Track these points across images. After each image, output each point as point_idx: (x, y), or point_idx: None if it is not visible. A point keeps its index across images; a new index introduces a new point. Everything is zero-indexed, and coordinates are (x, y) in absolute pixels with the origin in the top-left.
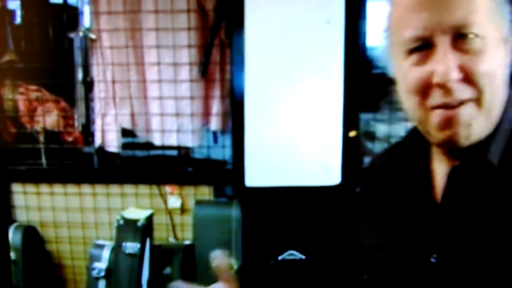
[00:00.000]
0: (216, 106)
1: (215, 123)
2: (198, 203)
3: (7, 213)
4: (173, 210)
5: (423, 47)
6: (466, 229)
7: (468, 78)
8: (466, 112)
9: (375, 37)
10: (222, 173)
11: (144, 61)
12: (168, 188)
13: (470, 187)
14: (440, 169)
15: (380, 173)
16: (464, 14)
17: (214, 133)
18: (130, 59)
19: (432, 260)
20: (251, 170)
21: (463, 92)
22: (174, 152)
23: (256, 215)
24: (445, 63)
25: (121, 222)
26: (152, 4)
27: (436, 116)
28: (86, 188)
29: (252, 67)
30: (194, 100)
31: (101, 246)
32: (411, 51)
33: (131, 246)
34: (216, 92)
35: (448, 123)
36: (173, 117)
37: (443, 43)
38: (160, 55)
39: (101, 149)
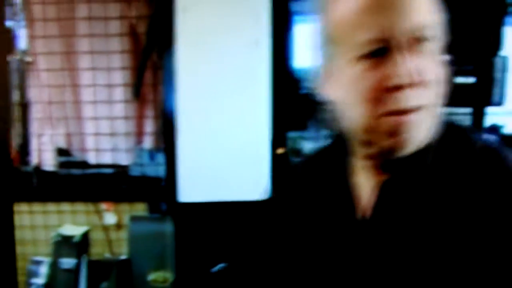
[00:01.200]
0: (149, 126)
1: (148, 142)
2: (133, 219)
3: None
4: (109, 226)
5: (378, 51)
6: (398, 242)
7: (426, 83)
8: (418, 118)
9: (303, 58)
10: (156, 190)
11: (79, 83)
12: (104, 205)
13: (405, 199)
14: (365, 182)
15: (299, 188)
16: (421, 16)
17: (151, 152)
18: (66, 81)
19: (364, 270)
20: (183, 187)
21: (419, 97)
22: (110, 170)
23: (188, 229)
24: (403, 66)
25: (58, 238)
26: (86, 28)
27: (387, 123)
28: (24, 207)
29: (183, 88)
30: (128, 120)
31: (39, 262)
32: (364, 56)
33: (67, 262)
34: (149, 112)
35: (399, 129)
36: (108, 137)
37: (400, 46)
38: (95, 77)
39: (38, 168)
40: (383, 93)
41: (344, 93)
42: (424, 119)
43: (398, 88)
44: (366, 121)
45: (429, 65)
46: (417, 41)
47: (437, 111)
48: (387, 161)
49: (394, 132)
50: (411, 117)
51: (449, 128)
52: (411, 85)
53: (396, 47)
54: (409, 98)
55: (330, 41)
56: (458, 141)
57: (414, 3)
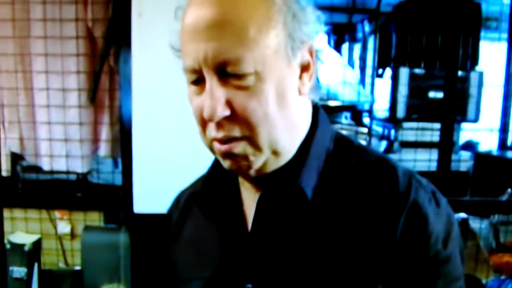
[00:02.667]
0: (105, 132)
1: (104, 149)
2: (86, 228)
3: None
4: (63, 235)
5: (199, 79)
6: (278, 256)
7: (237, 116)
8: (239, 148)
9: None
10: (112, 199)
11: (33, 86)
12: (57, 213)
13: (279, 213)
14: (249, 196)
15: (191, 202)
16: (236, 49)
17: (115, 159)
18: (19, 83)
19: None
20: (139, 197)
21: (232, 130)
22: (67, 177)
23: (143, 241)
24: (210, 99)
25: (8, 246)
26: (41, 30)
27: (215, 147)
28: None
29: (139, 94)
30: (83, 126)
31: None
32: (192, 82)
33: (18, 271)
34: (105, 118)
35: (226, 155)
36: (62, 142)
37: (210, 77)
38: (49, 81)
39: None
40: (204, 120)
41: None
42: (248, 149)
43: (209, 120)
44: (204, 140)
45: (243, 98)
46: (225, 73)
47: (270, 139)
48: (255, 178)
49: (224, 157)
50: (230, 146)
51: (341, 145)
52: (218, 117)
53: (206, 77)
54: (220, 129)
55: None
56: (342, 154)
57: (225, 36)
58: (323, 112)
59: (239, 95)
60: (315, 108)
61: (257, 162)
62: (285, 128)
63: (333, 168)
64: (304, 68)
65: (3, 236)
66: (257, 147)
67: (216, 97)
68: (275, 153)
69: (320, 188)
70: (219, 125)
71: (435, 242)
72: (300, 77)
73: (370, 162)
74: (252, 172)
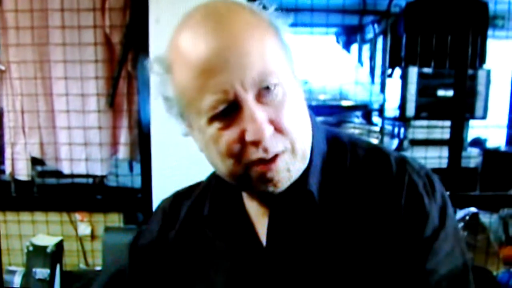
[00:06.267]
0: (123, 136)
1: (123, 152)
2: (107, 230)
3: None
4: (84, 237)
5: (227, 109)
6: (298, 266)
7: (280, 130)
8: (283, 161)
9: None
10: (132, 201)
11: (52, 92)
12: (78, 216)
13: (292, 223)
14: (256, 211)
15: (193, 220)
16: (262, 66)
17: (130, 162)
18: (39, 90)
19: None
20: (158, 198)
21: (278, 144)
22: (86, 180)
23: None
24: (255, 121)
25: (31, 248)
26: (60, 37)
27: (255, 172)
28: None
29: (157, 97)
30: (102, 130)
31: (13, 272)
32: (216, 117)
33: (41, 272)
34: (124, 122)
35: (267, 175)
36: (82, 146)
37: (247, 101)
38: (68, 86)
39: (13, 177)
40: (243, 147)
41: (207, 150)
42: (289, 159)
43: (253, 142)
44: (234, 172)
45: (280, 112)
46: (262, 91)
47: (304, 146)
48: (268, 195)
49: (264, 178)
50: (275, 163)
51: (334, 145)
52: (267, 137)
53: (243, 103)
54: (267, 148)
55: (183, 107)
56: (342, 159)
57: (249, 57)
58: (313, 118)
59: (277, 110)
60: None
61: (295, 172)
62: (308, 133)
63: (330, 169)
64: None
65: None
66: (296, 156)
67: (261, 118)
68: (304, 158)
69: (323, 190)
70: (261, 146)
71: (432, 222)
72: None
73: (363, 155)
74: (284, 187)
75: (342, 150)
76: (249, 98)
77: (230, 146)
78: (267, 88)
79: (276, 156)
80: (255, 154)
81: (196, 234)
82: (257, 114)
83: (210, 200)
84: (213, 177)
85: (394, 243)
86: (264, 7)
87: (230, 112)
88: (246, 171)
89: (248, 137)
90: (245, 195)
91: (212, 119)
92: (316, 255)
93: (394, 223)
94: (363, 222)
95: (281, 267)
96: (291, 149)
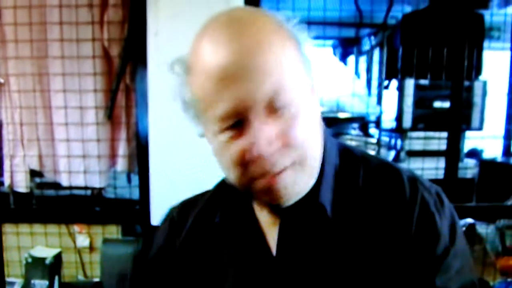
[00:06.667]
0: (122, 148)
1: (121, 164)
2: (105, 241)
3: None
4: (82, 248)
5: (238, 122)
6: (306, 277)
7: (289, 144)
8: (289, 175)
9: None
10: (130, 213)
11: (51, 105)
12: (76, 227)
13: (302, 234)
14: (266, 220)
15: (201, 227)
16: (277, 80)
17: (128, 174)
18: (38, 102)
19: None
20: (156, 210)
21: (285, 159)
22: (84, 192)
23: None
24: (261, 136)
25: (30, 260)
26: (58, 50)
27: (260, 184)
28: None
29: (155, 110)
30: (100, 142)
31: (12, 284)
32: (226, 128)
33: (39, 284)
34: (122, 134)
35: (272, 188)
36: (80, 159)
37: (257, 115)
38: (67, 99)
39: (12, 189)
40: (250, 159)
41: (218, 156)
42: (297, 173)
43: (259, 156)
44: (241, 182)
45: (291, 126)
46: (274, 105)
47: (313, 159)
48: (277, 207)
49: (269, 191)
50: (280, 177)
51: (346, 159)
52: (273, 152)
53: (252, 116)
54: (273, 163)
55: (199, 111)
56: (353, 171)
57: (265, 70)
58: (327, 131)
59: (287, 125)
60: None
61: (303, 186)
62: (318, 145)
63: (343, 183)
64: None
65: (3, 249)
66: (304, 170)
67: (267, 133)
68: (313, 172)
69: (335, 204)
70: (267, 161)
71: (443, 240)
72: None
73: (376, 172)
74: (290, 201)
75: (354, 164)
76: (259, 112)
77: (239, 157)
78: (278, 103)
79: (283, 170)
80: (260, 167)
81: (203, 242)
82: (264, 130)
83: (221, 207)
84: (223, 184)
85: (405, 260)
86: (287, 19)
87: (241, 122)
88: (252, 182)
89: (254, 151)
90: (256, 203)
91: (222, 130)
92: (326, 267)
93: (405, 240)
94: (374, 237)
95: (289, 277)
96: (300, 162)
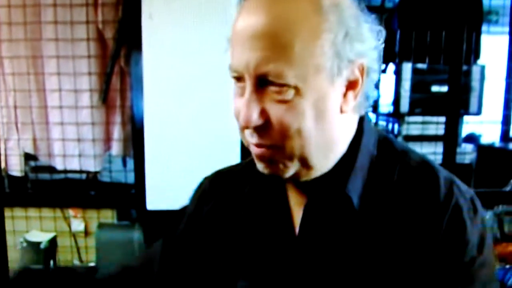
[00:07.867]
0: (117, 132)
1: (116, 148)
2: (101, 226)
3: None
4: (77, 233)
5: (240, 78)
6: (324, 262)
7: (270, 126)
8: (272, 154)
9: None
10: (125, 197)
11: (45, 88)
12: (71, 212)
13: (326, 221)
14: (296, 200)
15: (231, 197)
16: (270, 65)
17: (123, 158)
18: (32, 85)
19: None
20: (152, 194)
21: (264, 138)
22: (79, 176)
23: (156, 237)
24: (247, 107)
25: (24, 244)
26: (52, 33)
27: (252, 149)
28: None
29: (150, 93)
30: (95, 126)
31: None
32: (234, 78)
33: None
34: (117, 118)
35: (261, 158)
36: (75, 142)
37: (249, 84)
38: (61, 82)
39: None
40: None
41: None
42: (279, 158)
43: (244, 125)
44: (242, 137)
45: (280, 110)
46: (268, 83)
47: (303, 151)
48: (301, 184)
49: (258, 159)
50: (265, 151)
51: (385, 150)
52: (249, 125)
53: (247, 85)
54: (252, 135)
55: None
56: (387, 158)
57: (272, 47)
58: (367, 120)
59: (275, 107)
60: (361, 117)
61: (287, 170)
62: (320, 145)
63: (377, 175)
64: (351, 85)
65: (5, 234)
66: (287, 157)
67: (252, 107)
68: (306, 166)
69: (365, 196)
70: (254, 131)
71: (471, 248)
72: (345, 95)
73: (413, 168)
74: (286, 176)
75: (392, 157)
76: (250, 82)
77: (236, 115)
78: (270, 83)
79: (263, 147)
80: (247, 135)
81: (229, 211)
82: (250, 101)
83: (254, 179)
84: None
85: (428, 263)
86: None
87: (243, 80)
88: (249, 144)
89: (239, 119)
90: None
91: (233, 77)
92: (345, 257)
93: (432, 243)
94: (399, 235)
95: (307, 259)
96: (280, 150)
